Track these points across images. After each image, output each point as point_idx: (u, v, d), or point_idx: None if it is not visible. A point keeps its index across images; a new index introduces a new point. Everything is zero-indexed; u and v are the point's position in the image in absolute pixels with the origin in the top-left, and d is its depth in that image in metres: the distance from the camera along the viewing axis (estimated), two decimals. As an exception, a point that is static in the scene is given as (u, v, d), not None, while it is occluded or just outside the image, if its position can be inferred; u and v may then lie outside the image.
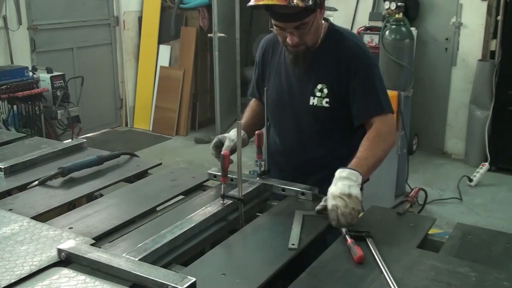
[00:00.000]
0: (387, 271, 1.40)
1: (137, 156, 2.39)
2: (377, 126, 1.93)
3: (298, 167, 2.12)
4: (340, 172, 1.74)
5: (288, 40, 1.91)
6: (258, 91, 2.24)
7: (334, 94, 1.98)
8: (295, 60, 1.99)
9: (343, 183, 1.68)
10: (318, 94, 2.00)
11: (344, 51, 1.97)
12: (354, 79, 1.96)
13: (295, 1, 1.76)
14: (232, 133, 2.04)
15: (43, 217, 1.79)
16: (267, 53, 2.17)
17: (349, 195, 1.65)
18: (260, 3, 1.80)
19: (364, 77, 1.96)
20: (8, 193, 2.04)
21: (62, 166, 2.10)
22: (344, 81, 1.97)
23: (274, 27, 1.91)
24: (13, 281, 1.36)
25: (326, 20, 2.05)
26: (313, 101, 2.01)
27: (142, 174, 2.22)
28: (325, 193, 1.77)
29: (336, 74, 1.97)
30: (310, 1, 1.78)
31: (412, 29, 5.06)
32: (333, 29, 2.03)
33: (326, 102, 1.99)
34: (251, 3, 1.83)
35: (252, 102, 2.30)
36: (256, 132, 2.00)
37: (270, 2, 1.78)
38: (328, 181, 1.75)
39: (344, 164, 1.79)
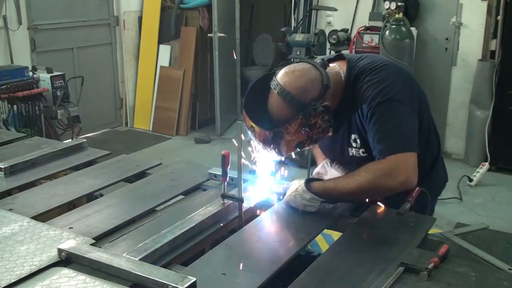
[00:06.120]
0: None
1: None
2: (376, 163, 1.78)
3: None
4: (303, 191, 1.80)
5: None
6: None
7: (367, 142, 1.86)
8: None
9: (294, 195, 1.82)
10: (354, 144, 1.92)
11: (359, 95, 1.83)
12: (369, 122, 1.80)
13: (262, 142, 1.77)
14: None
15: (43, 217, 1.79)
16: None
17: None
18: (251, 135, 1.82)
19: (376, 119, 1.78)
20: (8, 193, 2.04)
21: None
22: (366, 127, 1.84)
23: None
24: (13, 281, 1.36)
25: (344, 58, 1.92)
26: (352, 151, 1.94)
27: (142, 174, 2.22)
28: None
29: (360, 122, 1.86)
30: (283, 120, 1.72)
31: (412, 29, 5.05)
32: (351, 74, 1.87)
33: (363, 152, 1.90)
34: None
35: None
36: None
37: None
38: None
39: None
